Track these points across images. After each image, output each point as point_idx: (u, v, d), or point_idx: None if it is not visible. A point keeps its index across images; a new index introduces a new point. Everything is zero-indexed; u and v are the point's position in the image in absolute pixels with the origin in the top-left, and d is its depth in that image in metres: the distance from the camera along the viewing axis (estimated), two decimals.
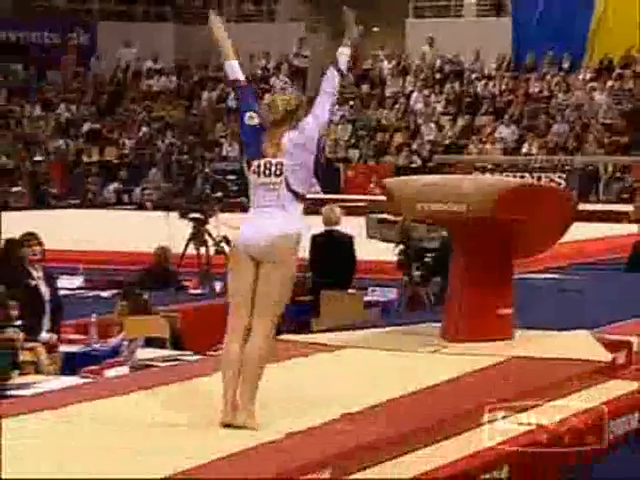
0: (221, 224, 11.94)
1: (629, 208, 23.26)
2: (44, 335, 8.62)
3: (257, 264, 5.62)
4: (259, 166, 5.71)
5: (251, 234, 5.63)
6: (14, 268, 8.98)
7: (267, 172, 5.68)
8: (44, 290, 8.84)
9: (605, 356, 7.45)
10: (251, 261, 5.62)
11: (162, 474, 4.58)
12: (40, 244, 8.98)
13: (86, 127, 32.09)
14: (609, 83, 29.10)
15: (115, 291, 11.83)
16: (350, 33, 6.31)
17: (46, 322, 8.81)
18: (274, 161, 5.68)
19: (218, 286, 12.06)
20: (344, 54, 6.16)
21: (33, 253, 8.86)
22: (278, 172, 5.67)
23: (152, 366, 8.01)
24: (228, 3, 34.70)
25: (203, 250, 12.04)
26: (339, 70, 6.06)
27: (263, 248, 5.58)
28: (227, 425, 5.45)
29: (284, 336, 8.61)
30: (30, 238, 8.99)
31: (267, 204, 5.65)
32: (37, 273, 8.88)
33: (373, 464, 5.13)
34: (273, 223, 5.59)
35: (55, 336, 8.74)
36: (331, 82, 6.02)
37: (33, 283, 8.79)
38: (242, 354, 5.58)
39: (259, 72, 33.21)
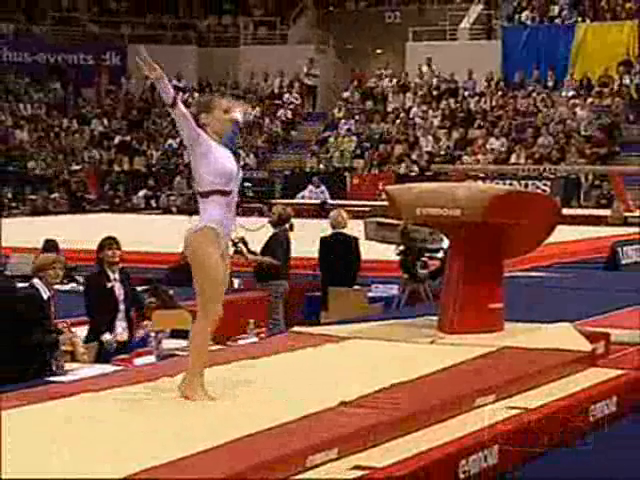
0: (238, 226, 11.93)
1: (607, 213, 23.21)
2: (106, 336, 8.54)
3: None
4: None
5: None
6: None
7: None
8: (118, 292, 8.76)
9: (586, 346, 7.41)
10: None
11: (174, 455, 4.53)
12: (118, 248, 8.90)
13: (117, 139, 32.13)
14: (589, 100, 29.04)
15: (144, 287, 11.82)
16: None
17: (119, 321, 8.71)
18: None
19: (236, 283, 12.05)
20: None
21: (112, 256, 8.78)
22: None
23: (176, 355, 7.99)
24: (245, 28, 34.70)
25: None
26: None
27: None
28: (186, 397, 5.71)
29: (296, 328, 8.61)
30: (110, 242, 8.90)
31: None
32: (114, 275, 8.79)
33: (373, 446, 5.11)
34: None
35: (111, 337, 8.62)
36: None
37: (109, 285, 8.71)
38: None
39: (275, 90, 33.21)
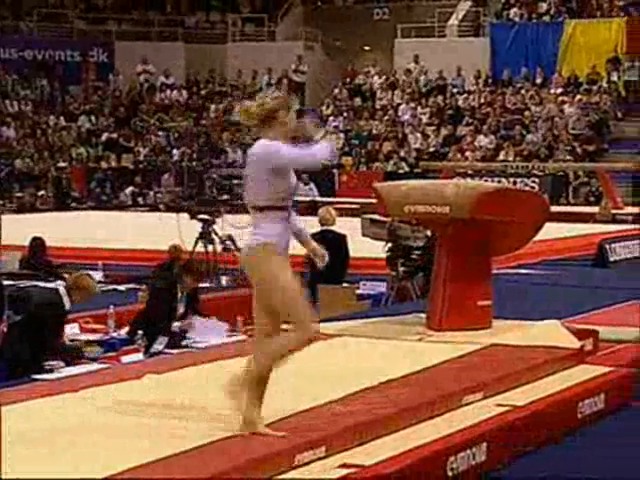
0: (227, 224, 11.92)
1: (595, 210, 23.26)
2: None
3: None
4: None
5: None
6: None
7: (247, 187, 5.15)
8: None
9: (574, 343, 7.43)
10: None
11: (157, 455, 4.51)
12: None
13: (105, 136, 32.03)
14: (577, 97, 29.08)
15: (131, 285, 11.81)
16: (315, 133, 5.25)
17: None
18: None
19: (224, 280, 12.04)
20: (324, 149, 5.12)
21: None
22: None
23: (163, 353, 7.99)
24: (233, 24, 34.65)
25: (211, 248, 12.01)
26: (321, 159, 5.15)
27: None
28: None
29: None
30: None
31: (254, 219, 5.18)
32: None
33: (361, 444, 5.10)
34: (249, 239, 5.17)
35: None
36: (314, 153, 5.08)
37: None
38: None
39: (263, 87, 33.17)
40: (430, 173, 25.23)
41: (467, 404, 5.99)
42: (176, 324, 8.62)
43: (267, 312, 5.16)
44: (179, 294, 8.76)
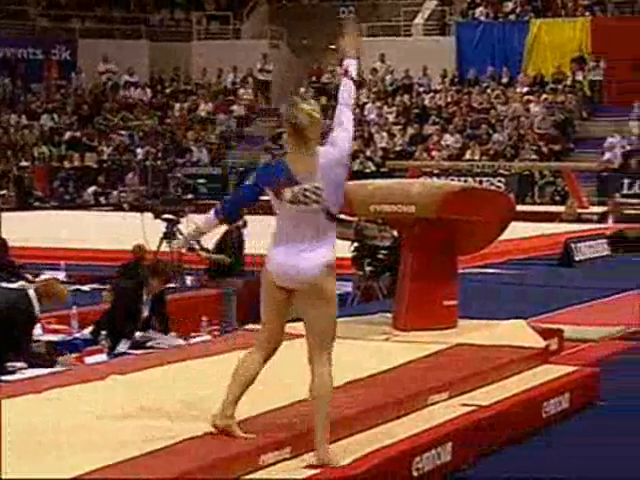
0: (192, 223, 11.92)
1: (561, 209, 23.42)
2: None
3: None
4: (295, 194, 4.76)
5: (282, 268, 4.90)
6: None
7: (305, 200, 4.76)
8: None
9: (539, 343, 7.48)
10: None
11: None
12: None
13: (67, 135, 31.85)
14: (543, 96, 29.27)
15: (95, 285, 11.76)
16: (353, 48, 5.36)
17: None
18: (310, 186, 4.76)
19: (188, 280, 12.02)
20: (352, 65, 5.25)
21: None
22: (318, 199, 4.76)
23: (127, 354, 7.97)
24: (198, 22, 34.57)
25: (175, 247, 11.99)
26: (352, 79, 5.20)
27: (295, 279, 4.91)
28: (215, 427, 4.90)
29: (250, 326, 8.59)
30: None
31: (303, 236, 4.82)
32: None
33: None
34: (308, 256, 4.82)
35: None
36: (348, 93, 5.14)
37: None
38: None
39: (229, 86, 33.14)
40: (396, 172, 25.32)
41: (432, 404, 6.02)
42: (138, 334, 8.59)
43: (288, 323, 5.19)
44: (144, 296, 8.73)
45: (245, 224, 11.17)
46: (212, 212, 5.03)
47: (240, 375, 5.04)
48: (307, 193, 4.75)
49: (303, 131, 4.81)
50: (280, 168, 4.83)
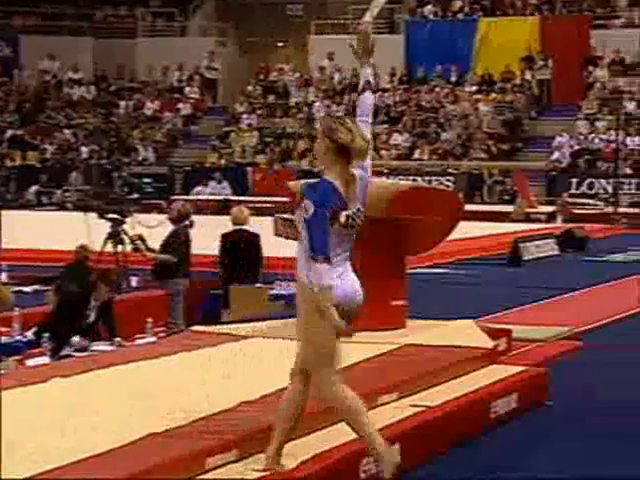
0: (137, 223, 11.84)
1: (510, 209, 23.62)
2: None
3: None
4: (348, 217, 4.72)
5: (352, 291, 4.83)
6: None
7: (354, 223, 4.76)
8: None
9: (487, 343, 7.52)
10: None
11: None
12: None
13: (9, 133, 31.53)
14: (492, 95, 29.49)
15: (37, 286, 11.65)
16: (368, 53, 5.38)
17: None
18: (355, 209, 4.76)
19: (134, 281, 11.94)
20: (369, 73, 5.24)
21: None
22: (359, 220, 4.78)
23: (71, 356, 7.91)
24: (143, 19, 34.38)
25: (120, 248, 11.92)
26: (371, 90, 5.17)
27: (359, 306, 4.91)
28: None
29: (196, 327, 8.56)
30: None
31: (347, 256, 4.82)
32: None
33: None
34: (355, 277, 4.87)
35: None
36: (367, 107, 5.07)
37: None
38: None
39: (175, 84, 33.00)
40: None
41: (381, 404, 6.04)
42: (75, 339, 8.52)
43: None
44: (92, 302, 8.69)
45: (192, 224, 11.12)
46: (320, 265, 4.65)
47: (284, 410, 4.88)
48: (355, 216, 4.74)
49: (348, 150, 4.69)
50: (332, 189, 4.70)
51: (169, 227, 11.16)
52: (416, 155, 28.20)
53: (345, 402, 4.81)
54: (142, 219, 11.98)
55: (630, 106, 27.96)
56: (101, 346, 8.47)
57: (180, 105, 32.24)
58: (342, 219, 4.67)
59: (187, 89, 32.61)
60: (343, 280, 4.76)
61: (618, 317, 10.52)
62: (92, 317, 8.73)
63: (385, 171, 26.39)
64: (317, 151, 4.81)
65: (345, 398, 4.81)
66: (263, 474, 4.72)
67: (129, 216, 12.08)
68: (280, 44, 34.40)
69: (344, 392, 4.82)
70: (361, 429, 4.79)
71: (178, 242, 10.97)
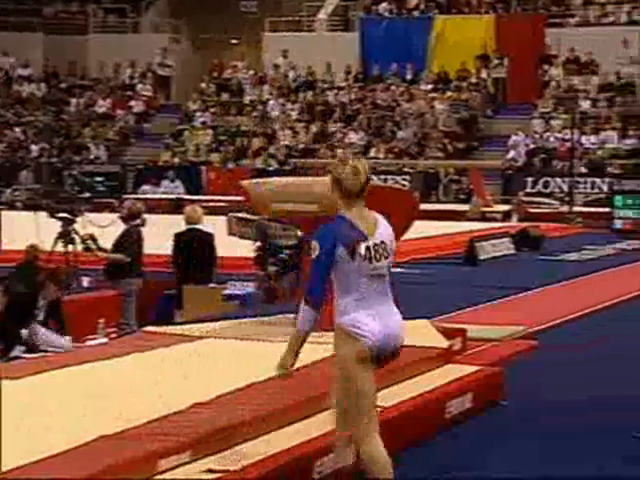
0: (87, 223, 11.78)
1: (466, 208, 23.75)
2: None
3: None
4: (369, 249, 4.64)
5: (380, 336, 4.68)
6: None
7: (378, 256, 4.66)
8: None
9: (442, 342, 7.57)
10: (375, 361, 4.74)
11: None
12: None
13: None
14: (448, 94, 29.64)
15: None
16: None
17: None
18: (379, 241, 4.68)
19: (85, 281, 11.88)
20: None
21: None
22: (386, 254, 4.70)
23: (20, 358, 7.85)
24: (94, 15, 34.16)
25: (71, 247, 11.85)
26: None
27: (394, 349, 4.78)
28: None
29: (149, 328, 8.54)
30: None
31: (381, 295, 4.70)
32: None
33: (228, 448, 5.11)
34: (396, 319, 4.75)
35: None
36: None
37: None
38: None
39: (127, 81, 32.83)
40: (300, 170, 25.39)
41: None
42: (24, 331, 8.49)
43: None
44: (41, 301, 8.64)
45: (144, 222, 11.09)
46: (302, 309, 4.69)
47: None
48: (376, 249, 4.66)
49: (355, 185, 4.69)
50: (351, 225, 4.68)
51: (121, 226, 11.13)
52: (372, 154, 28.26)
53: None
54: (93, 218, 11.92)
55: (585, 105, 28.23)
56: (48, 343, 8.43)
57: (132, 103, 32.08)
58: (362, 250, 4.62)
59: (140, 86, 32.45)
60: (374, 321, 4.66)
61: (573, 316, 10.62)
62: (41, 316, 8.68)
63: None
64: (333, 196, 4.79)
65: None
66: (216, 476, 4.72)
67: (80, 215, 12.02)
68: (234, 41, 34.34)
69: None
70: None
71: (130, 241, 10.93)
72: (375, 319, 4.66)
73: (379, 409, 5.97)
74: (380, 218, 4.75)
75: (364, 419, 4.68)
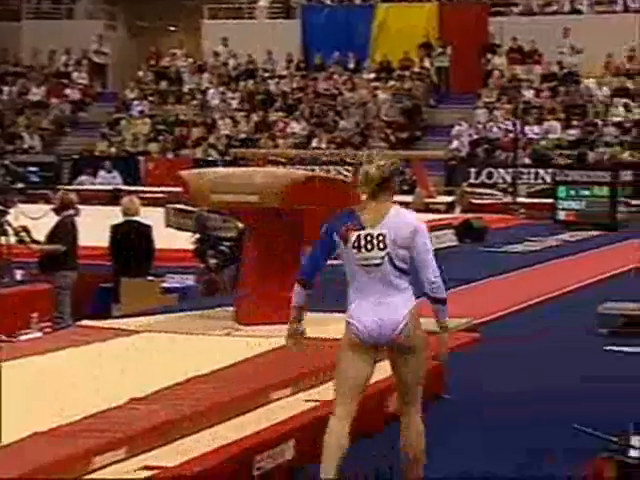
0: (20, 214, 11.67)
1: (409, 199, 23.84)
2: None
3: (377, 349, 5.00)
4: (359, 238, 4.89)
5: (373, 325, 4.92)
6: None
7: (369, 246, 4.88)
8: None
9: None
10: (373, 349, 4.98)
11: None
12: None
13: None
14: (390, 83, 29.72)
15: None
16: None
17: None
18: (376, 232, 4.89)
19: (19, 274, 11.76)
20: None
21: None
22: (382, 245, 4.88)
23: None
24: (28, 1, 33.76)
25: (3, 240, 11.72)
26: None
27: (389, 338, 4.94)
28: None
29: (84, 322, 8.49)
30: None
31: (380, 285, 4.91)
32: None
33: (165, 444, 5.09)
34: (393, 309, 4.93)
35: None
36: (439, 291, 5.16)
37: None
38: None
39: (62, 68, 32.50)
40: (241, 161, 25.33)
41: (275, 400, 6.06)
42: None
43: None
44: None
45: (77, 212, 11.00)
46: (296, 286, 5.08)
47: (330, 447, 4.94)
48: (371, 238, 4.87)
49: (364, 191, 4.94)
50: (350, 215, 4.96)
51: (54, 218, 11.03)
52: (314, 144, 28.28)
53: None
54: (27, 210, 11.81)
55: (528, 94, 28.47)
56: None
57: (68, 91, 31.77)
58: (352, 239, 4.88)
59: (75, 74, 32.14)
60: (367, 311, 4.93)
61: (515, 308, 10.72)
62: None
63: (282, 161, 26.43)
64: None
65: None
66: (152, 472, 4.70)
67: (13, 207, 11.90)
68: (172, 28, 34.12)
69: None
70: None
71: (64, 232, 10.85)
72: (368, 309, 4.91)
73: (317, 402, 6.01)
74: (394, 212, 4.93)
75: (337, 399, 4.99)
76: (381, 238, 4.87)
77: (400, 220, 4.93)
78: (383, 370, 6.92)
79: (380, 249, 4.87)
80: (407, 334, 4.97)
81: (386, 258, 4.88)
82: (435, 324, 5.24)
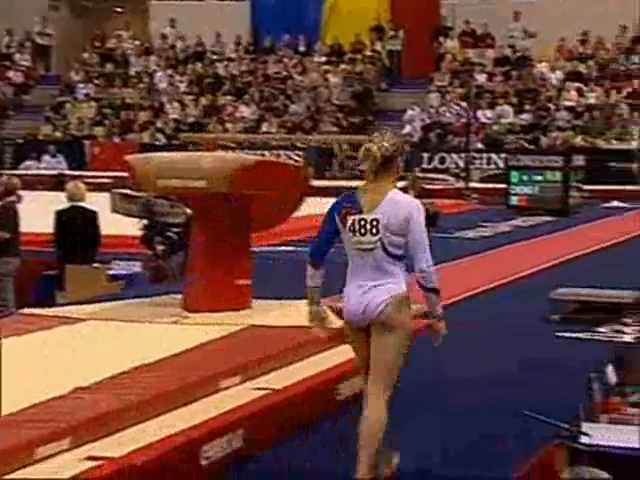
0: None
1: (361, 184, 23.86)
2: None
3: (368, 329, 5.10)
4: (354, 222, 4.99)
5: (357, 307, 5.06)
6: None
7: (363, 230, 4.97)
8: None
9: (336, 323, 7.60)
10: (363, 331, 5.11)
11: None
12: None
13: None
14: (341, 66, 29.71)
15: None
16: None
17: None
18: (369, 217, 4.97)
19: None
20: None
21: None
22: (375, 230, 4.96)
23: None
24: None
25: None
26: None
27: (371, 321, 5.04)
28: None
29: (27, 310, 8.41)
30: None
31: (372, 270, 5.00)
32: None
33: (110, 434, 5.06)
34: (378, 292, 5.00)
35: None
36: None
37: None
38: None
39: (4, 50, 32.16)
40: (190, 145, 25.21)
41: (224, 389, 6.05)
42: None
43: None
44: None
45: (19, 199, 10.90)
46: (308, 268, 5.25)
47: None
48: (365, 222, 4.97)
49: (367, 168, 5.04)
50: (351, 197, 5.07)
51: None
52: (264, 128, 28.21)
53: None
54: None
55: (481, 78, 28.59)
56: None
57: (10, 73, 31.43)
58: (349, 222, 5.00)
59: (17, 56, 31.80)
60: (355, 294, 5.09)
61: (469, 294, 10.77)
62: None
63: (232, 145, 26.34)
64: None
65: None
66: (97, 463, 4.67)
67: None
68: (118, 9, 33.85)
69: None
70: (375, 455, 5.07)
71: (6, 218, 10.75)
72: (356, 292, 5.05)
73: (266, 390, 6.00)
74: (393, 196, 4.98)
75: (362, 377, 5.22)
76: (375, 223, 4.95)
77: (396, 205, 4.98)
78: (338, 356, 6.97)
79: (373, 234, 4.96)
80: (388, 315, 5.02)
81: (379, 244, 4.97)
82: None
